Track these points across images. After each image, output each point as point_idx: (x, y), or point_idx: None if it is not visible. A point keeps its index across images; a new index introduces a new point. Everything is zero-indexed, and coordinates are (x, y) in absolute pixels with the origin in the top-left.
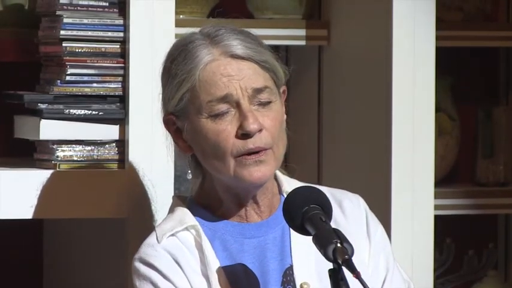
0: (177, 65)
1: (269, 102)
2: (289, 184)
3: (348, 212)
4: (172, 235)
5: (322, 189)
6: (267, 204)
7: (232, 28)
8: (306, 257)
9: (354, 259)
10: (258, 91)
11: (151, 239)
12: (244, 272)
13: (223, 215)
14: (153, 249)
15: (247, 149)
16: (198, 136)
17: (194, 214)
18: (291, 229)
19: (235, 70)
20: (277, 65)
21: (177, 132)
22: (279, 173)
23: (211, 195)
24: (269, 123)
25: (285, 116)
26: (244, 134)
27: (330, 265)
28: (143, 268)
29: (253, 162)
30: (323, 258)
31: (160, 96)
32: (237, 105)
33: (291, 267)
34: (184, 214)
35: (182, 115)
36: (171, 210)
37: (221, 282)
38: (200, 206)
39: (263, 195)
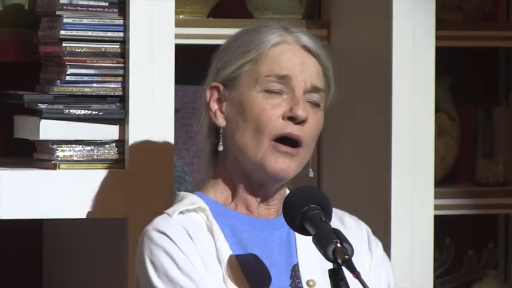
0: (247, 37)
1: (318, 105)
2: None
3: (350, 227)
4: (183, 213)
5: None
6: (275, 208)
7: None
8: (312, 256)
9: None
10: (315, 89)
11: (163, 215)
12: (253, 259)
13: (234, 208)
14: (166, 221)
15: (286, 132)
16: (242, 108)
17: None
18: None
19: (303, 60)
20: (333, 82)
21: (218, 102)
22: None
23: (223, 187)
24: (312, 122)
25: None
26: (290, 118)
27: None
28: (157, 235)
29: (284, 153)
30: None
31: (213, 65)
32: (292, 91)
33: (297, 265)
34: (194, 199)
35: (232, 85)
36: (180, 199)
37: (231, 265)
38: (210, 197)
39: (274, 197)
